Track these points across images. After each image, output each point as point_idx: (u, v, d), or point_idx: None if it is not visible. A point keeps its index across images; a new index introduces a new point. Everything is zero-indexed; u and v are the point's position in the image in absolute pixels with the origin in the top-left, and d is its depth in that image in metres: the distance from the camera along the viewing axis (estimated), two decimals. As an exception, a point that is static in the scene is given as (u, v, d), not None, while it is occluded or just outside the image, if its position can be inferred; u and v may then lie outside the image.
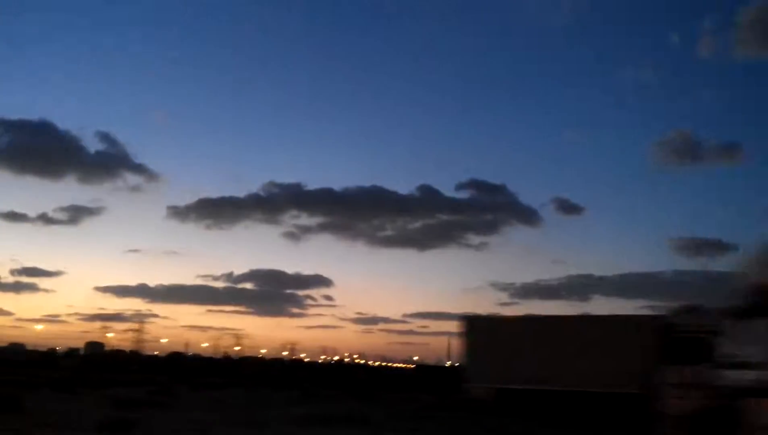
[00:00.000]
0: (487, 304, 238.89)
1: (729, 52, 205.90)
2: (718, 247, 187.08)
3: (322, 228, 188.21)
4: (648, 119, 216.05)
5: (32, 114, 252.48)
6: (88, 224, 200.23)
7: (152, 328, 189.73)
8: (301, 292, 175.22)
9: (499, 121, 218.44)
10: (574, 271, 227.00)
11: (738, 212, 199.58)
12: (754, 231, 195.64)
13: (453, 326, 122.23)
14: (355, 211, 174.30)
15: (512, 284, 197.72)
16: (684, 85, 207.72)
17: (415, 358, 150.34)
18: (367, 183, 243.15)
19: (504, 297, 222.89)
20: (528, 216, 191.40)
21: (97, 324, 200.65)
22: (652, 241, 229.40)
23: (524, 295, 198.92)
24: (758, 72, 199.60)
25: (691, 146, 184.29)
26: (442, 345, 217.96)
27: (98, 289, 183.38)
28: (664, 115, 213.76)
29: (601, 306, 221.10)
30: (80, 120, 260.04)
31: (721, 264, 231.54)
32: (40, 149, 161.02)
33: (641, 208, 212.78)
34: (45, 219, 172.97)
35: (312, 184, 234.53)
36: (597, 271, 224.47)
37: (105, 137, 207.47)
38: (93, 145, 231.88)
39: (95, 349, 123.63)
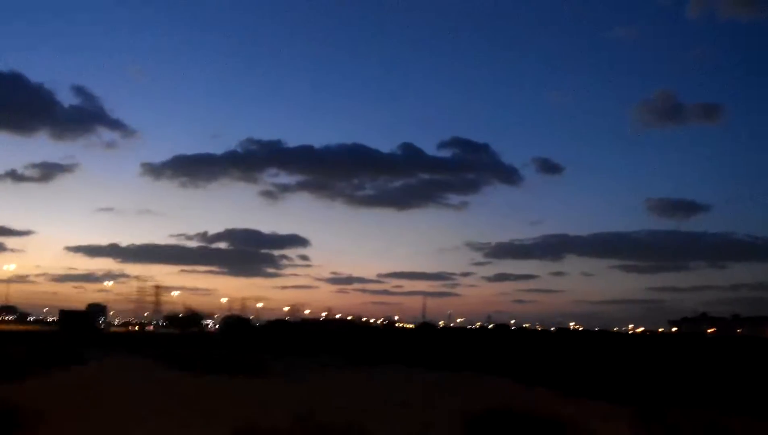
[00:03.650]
0: (462, 264, 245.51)
1: (715, 13, 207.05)
2: (692, 207, 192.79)
3: (301, 186, 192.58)
4: (632, 80, 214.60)
5: (2, 65, 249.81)
6: (59, 182, 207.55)
7: (122, 288, 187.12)
8: (276, 252, 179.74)
9: (483, 80, 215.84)
10: (550, 231, 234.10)
11: (716, 173, 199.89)
12: (729, 192, 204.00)
13: (427, 286, 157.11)
14: (335, 170, 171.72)
15: (488, 244, 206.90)
16: (669, 45, 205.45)
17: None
18: (348, 141, 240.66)
19: (478, 257, 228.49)
20: (509, 175, 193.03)
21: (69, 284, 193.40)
22: (630, 201, 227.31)
23: (499, 254, 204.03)
24: (742, 33, 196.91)
25: (672, 107, 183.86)
26: (416, 304, 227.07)
27: (69, 248, 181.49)
28: (647, 75, 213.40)
29: (573, 265, 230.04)
30: (54, 72, 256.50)
31: (693, 224, 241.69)
32: (10, 103, 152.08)
33: (621, 168, 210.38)
34: (14, 176, 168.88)
35: (292, 141, 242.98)
36: (573, 231, 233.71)
37: (80, 91, 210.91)
38: (67, 99, 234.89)
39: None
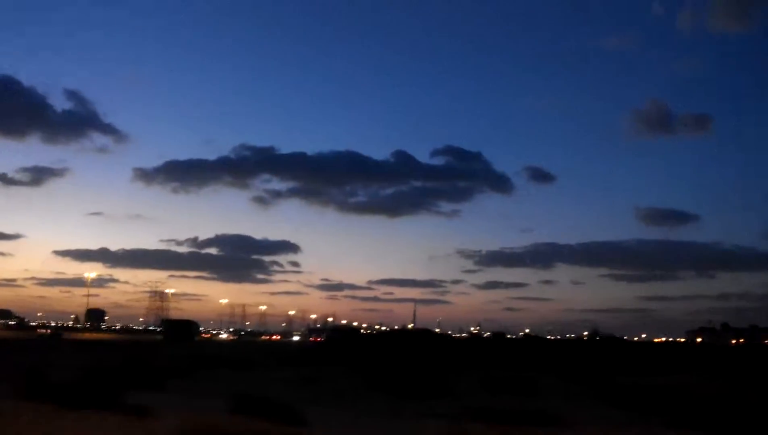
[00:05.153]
0: (453, 272, 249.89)
1: (706, 25, 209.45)
2: (681, 217, 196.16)
3: (293, 193, 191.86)
4: (623, 90, 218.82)
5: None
6: (50, 186, 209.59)
7: (110, 293, 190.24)
8: (267, 258, 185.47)
9: (477, 89, 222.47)
10: (540, 239, 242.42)
11: (704, 183, 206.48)
12: (718, 202, 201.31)
13: (418, 293, 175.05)
14: (328, 176, 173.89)
15: (478, 251, 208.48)
16: (660, 56, 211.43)
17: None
18: (341, 148, 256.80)
19: (469, 264, 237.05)
20: (501, 184, 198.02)
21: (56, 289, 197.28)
22: (620, 210, 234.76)
23: (489, 262, 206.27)
24: (732, 46, 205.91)
25: (662, 117, 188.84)
26: (407, 311, 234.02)
27: (57, 252, 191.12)
28: (639, 85, 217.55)
29: (563, 273, 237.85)
30: (47, 76, 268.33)
31: (682, 233, 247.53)
32: (2, 106, 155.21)
33: (612, 177, 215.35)
34: (5, 180, 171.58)
35: (285, 147, 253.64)
36: (563, 240, 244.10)
37: (73, 95, 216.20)
38: (60, 103, 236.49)
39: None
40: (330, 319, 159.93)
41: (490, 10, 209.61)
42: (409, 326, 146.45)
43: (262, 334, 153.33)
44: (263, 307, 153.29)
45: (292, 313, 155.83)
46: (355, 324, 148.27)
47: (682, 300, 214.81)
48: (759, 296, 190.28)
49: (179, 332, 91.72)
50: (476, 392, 18.37)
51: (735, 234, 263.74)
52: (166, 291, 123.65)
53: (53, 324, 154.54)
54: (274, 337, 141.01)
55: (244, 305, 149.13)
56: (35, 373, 15.39)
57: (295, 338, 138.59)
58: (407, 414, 13.38)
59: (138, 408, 10.89)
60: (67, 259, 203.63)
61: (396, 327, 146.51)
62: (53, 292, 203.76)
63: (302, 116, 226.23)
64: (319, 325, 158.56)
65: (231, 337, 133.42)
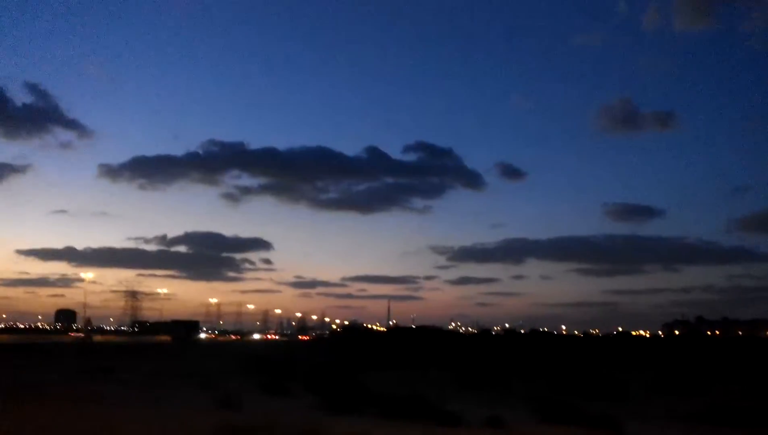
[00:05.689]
0: (426, 268, 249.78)
1: (671, 23, 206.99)
2: (648, 212, 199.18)
3: (264, 189, 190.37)
4: (591, 87, 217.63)
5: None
6: (11, 183, 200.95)
7: (77, 293, 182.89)
8: (238, 256, 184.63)
9: (448, 86, 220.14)
10: (511, 235, 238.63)
11: (670, 179, 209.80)
12: (683, 197, 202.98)
13: (391, 289, 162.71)
14: (299, 172, 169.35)
15: (451, 248, 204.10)
16: (627, 54, 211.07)
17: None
18: (312, 143, 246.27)
19: (442, 260, 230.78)
20: (472, 180, 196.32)
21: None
22: (588, 206, 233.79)
23: (461, 258, 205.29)
24: (696, 44, 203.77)
25: (630, 114, 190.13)
26: (380, 308, 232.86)
27: (20, 252, 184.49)
28: (607, 82, 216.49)
29: (533, 269, 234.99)
30: (6, 69, 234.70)
31: (649, 228, 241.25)
32: None
33: (580, 173, 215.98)
34: None
35: (255, 143, 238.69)
36: (533, 235, 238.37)
37: (34, 89, 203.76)
38: (20, 98, 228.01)
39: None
40: (314, 317, 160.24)
41: (460, 8, 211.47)
42: (391, 323, 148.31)
43: (246, 333, 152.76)
44: (251, 306, 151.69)
45: (278, 311, 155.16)
46: (338, 321, 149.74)
47: (648, 293, 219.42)
48: (722, 289, 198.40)
49: (187, 333, 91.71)
50: (640, 393, 19.82)
51: (700, 229, 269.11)
52: (159, 290, 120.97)
53: (80, 326, 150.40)
54: (269, 335, 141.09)
55: (219, 304, 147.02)
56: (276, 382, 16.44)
57: (276, 337, 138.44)
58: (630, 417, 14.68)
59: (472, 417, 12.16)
60: (30, 258, 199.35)
61: (393, 322, 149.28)
62: (17, 292, 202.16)
63: (272, 111, 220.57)
64: (293, 323, 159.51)
65: (236, 337, 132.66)
